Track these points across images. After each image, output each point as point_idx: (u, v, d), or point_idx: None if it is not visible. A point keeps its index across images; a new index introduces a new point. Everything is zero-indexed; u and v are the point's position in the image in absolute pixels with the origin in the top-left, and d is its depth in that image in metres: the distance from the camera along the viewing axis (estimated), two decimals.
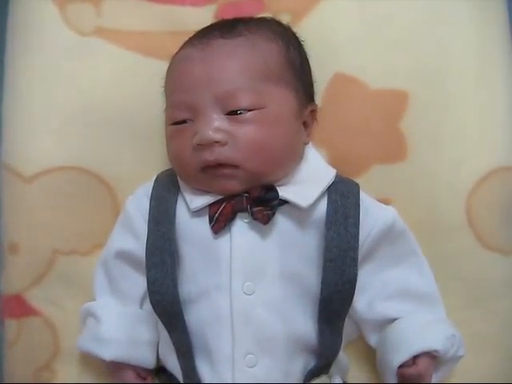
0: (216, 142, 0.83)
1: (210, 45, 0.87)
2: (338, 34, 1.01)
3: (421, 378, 0.87)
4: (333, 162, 0.95)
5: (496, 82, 0.99)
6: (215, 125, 0.84)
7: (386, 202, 0.95)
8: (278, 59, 0.88)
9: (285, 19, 0.96)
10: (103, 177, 1.00)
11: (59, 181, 0.99)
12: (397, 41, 1.00)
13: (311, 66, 0.95)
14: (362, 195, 0.90)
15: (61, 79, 1.00)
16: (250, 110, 0.85)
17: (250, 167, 0.84)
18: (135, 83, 1.00)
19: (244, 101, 0.84)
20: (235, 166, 0.84)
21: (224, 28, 0.89)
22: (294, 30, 0.95)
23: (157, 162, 0.98)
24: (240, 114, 0.85)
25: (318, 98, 0.97)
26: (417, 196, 0.99)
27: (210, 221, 0.86)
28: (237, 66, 0.85)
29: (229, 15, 0.96)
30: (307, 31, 0.96)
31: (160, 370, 0.93)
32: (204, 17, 0.99)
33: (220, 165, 0.84)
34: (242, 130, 0.84)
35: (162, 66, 0.94)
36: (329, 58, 0.99)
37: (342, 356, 0.91)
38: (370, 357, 0.95)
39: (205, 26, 0.94)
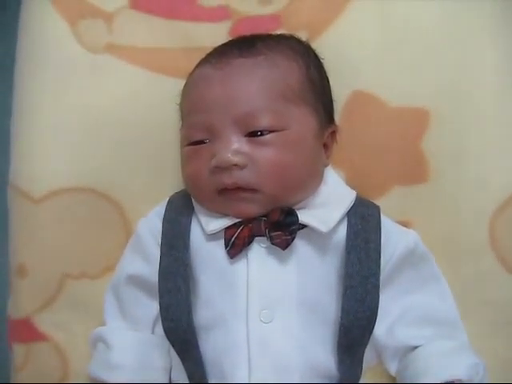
0: (235, 165, 0.81)
1: (229, 64, 0.85)
2: (355, 50, 0.98)
3: None
4: (351, 183, 0.93)
5: None
6: (234, 147, 0.82)
7: (406, 224, 0.94)
8: (299, 79, 0.86)
9: (302, 35, 0.94)
10: (114, 198, 0.98)
11: (69, 202, 0.97)
12: (417, 58, 0.98)
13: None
14: (383, 218, 0.88)
15: (71, 97, 0.98)
16: (270, 132, 0.83)
17: (269, 191, 0.82)
18: (147, 102, 0.98)
19: (264, 122, 0.82)
20: (254, 190, 0.82)
21: (243, 46, 0.87)
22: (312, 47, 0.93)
23: (170, 183, 0.96)
24: (260, 135, 0.83)
25: (337, 117, 0.95)
26: (439, 218, 0.96)
27: (226, 245, 0.83)
28: (256, 86, 0.84)
29: (244, 32, 0.94)
30: (324, 48, 0.94)
31: None
32: (219, 33, 0.97)
33: (238, 188, 0.82)
34: (262, 152, 0.82)
35: (176, 84, 0.93)
36: (347, 76, 0.97)
37: None
38: None
39: (219, 42, 0.92)
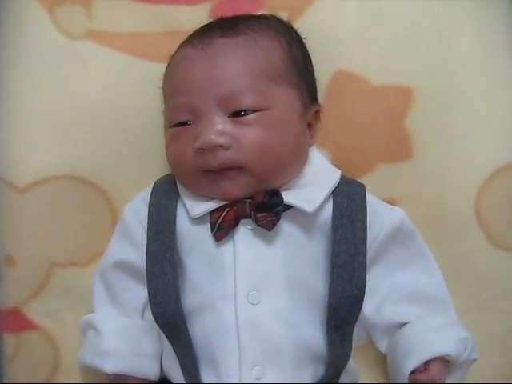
0: (219, 146, 0.81)
1: (211, 44, 0.84)
2: (337, 30, 0.98)
3: (433, 383, 0.85)
4: (336, 162, 0.93)
5: (503, 76, 0.97)
6: (218, 128, 0.81)
7: (392, 202, 0.93)
8: (281, 58, 0.85)
9: (282, 16, 0.93)
10: (100, 184, 0.97)
11: (54, 190, 0.97)
12: (398, 35, 0.98)
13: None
14: (369, 196, 0.87)
15: (52, 85, 0.97)
16: (253, 112, 0.82)
17: (254, 170, 0.82)
18: (129, 86, 0.97)
19: (247, 101, 0.82)
20: (239, 168, 0.82)
21: (224, 26, 0.86)
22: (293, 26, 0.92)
23: (155, 168, 0.95)
24: (243, 115, 0.82)
25: (320, 96, 0.94)
26: (424, 195, 0.96)
27: (212, 228, 0.83)
28: (239, 66, 0.83)
29: (224, 13, 0.93)
30: (305, 28, 0.93)
31: (164, 381, 0.91)
32: (198, 16, 0.96)
33: (223, 169, 0.82)
34: (246, 132, 0.82)
35: (156, 68, 0.92)
36: (329, 55, 0.96)
37: (352, 363, 0.89)
38: (381, 363, 0.93)
39: (199, 25, 0.91)
